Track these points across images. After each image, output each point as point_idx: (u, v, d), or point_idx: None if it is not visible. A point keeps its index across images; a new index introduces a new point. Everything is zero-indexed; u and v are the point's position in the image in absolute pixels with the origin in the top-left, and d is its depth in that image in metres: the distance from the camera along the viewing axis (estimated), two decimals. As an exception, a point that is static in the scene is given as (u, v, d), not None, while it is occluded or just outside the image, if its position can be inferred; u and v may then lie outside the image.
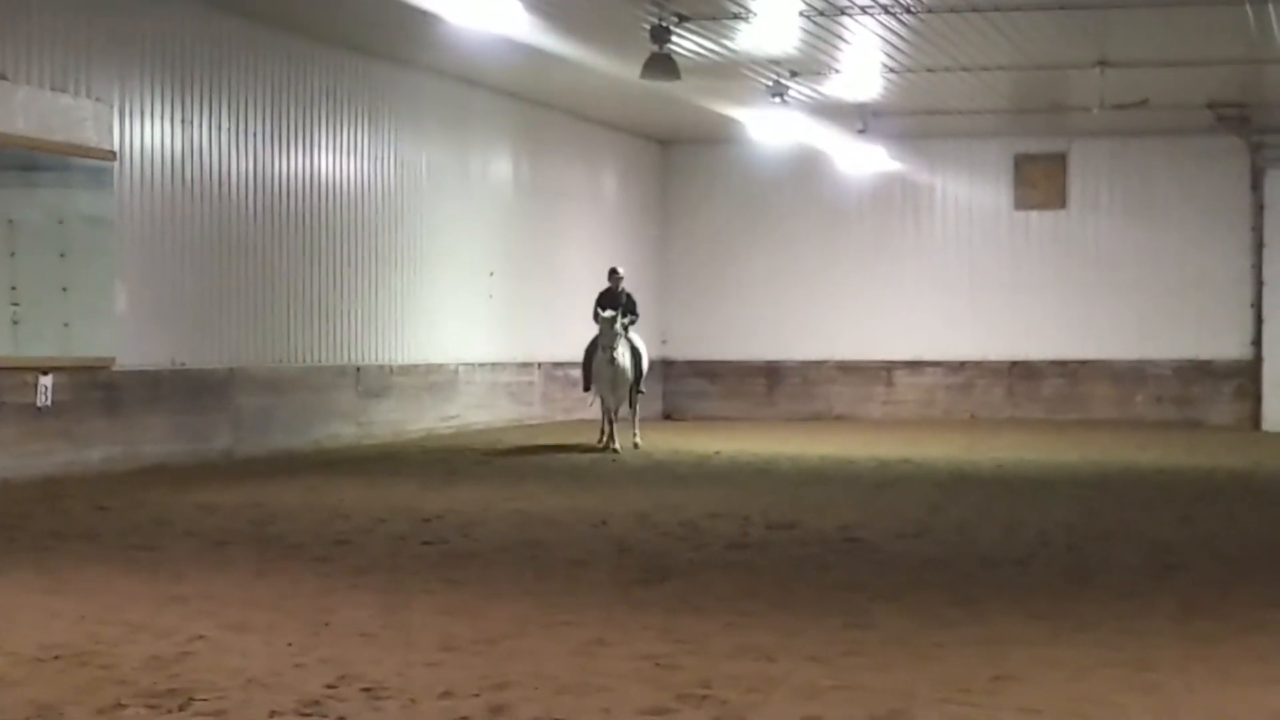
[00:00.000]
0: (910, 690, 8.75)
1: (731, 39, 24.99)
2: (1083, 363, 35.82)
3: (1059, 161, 35.85)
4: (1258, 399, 34.61)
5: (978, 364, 36.33)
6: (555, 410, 32.94)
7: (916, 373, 36.44)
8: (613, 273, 27.36)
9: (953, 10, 23.36)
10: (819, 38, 25.14)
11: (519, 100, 31.37)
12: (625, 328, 26.34)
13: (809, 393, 36.91)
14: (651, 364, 36.54)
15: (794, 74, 27.65)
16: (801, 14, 23.48)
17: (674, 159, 37.67)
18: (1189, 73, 27.99)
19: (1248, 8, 23.04)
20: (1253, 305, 34.61)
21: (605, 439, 26.51)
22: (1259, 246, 34.54)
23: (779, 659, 9.59)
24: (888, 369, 36.50)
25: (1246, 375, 34.84)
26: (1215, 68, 27.70)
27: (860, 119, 31.79)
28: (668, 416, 37.20)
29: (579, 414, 33.40)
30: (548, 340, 32.75)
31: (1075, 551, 14.76)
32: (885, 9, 23.30)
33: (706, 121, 32.74)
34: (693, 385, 37.63)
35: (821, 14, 23.45)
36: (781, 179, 36.40)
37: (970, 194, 36.25)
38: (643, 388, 27.40)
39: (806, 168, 35.78)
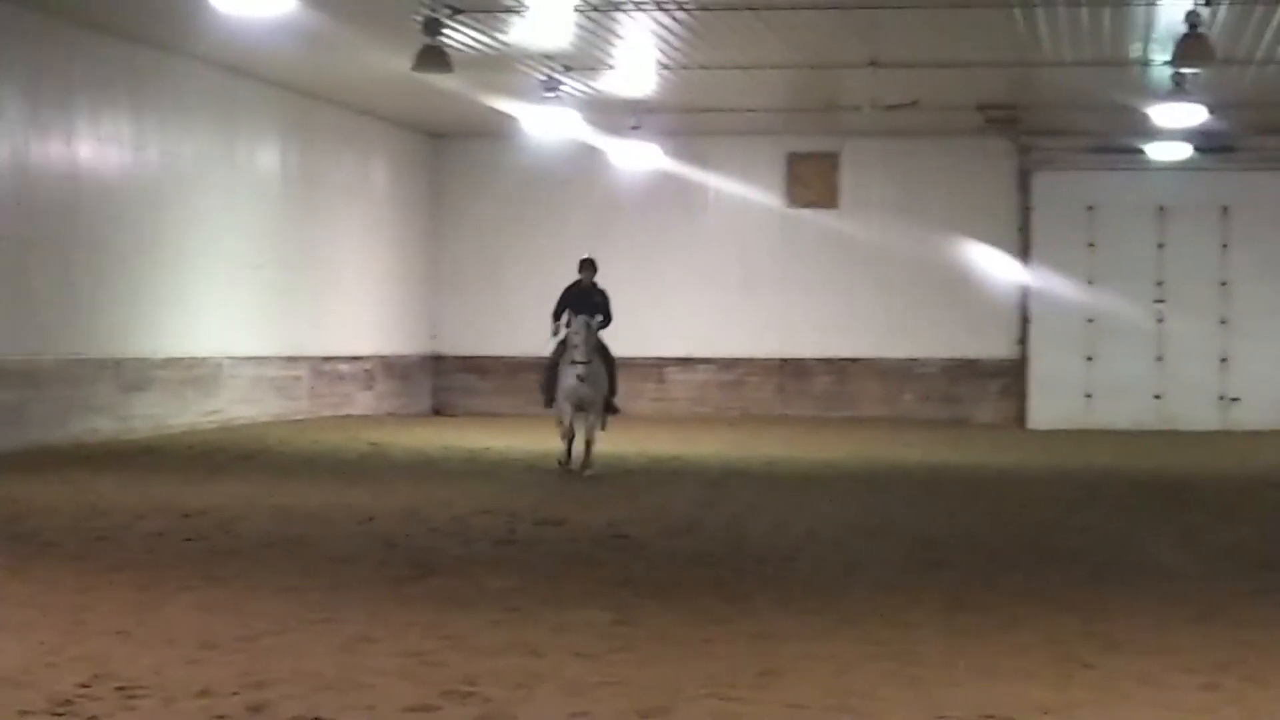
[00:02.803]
0: (677, 686, 8.74)
1: (505, 32, 24.85)
2: (852, 361, 36.18)
3: (831, 160, 36.16)
4: (1023, 397, 35.22)
5: (749, 361, 36.53)
6: (322, 406, 32.55)
7: (688, 370, 36.56)
8: (585, 264, 22.20)
9: (727, 8, 23.43)
10: (593, 33, 25.10)
11: (288, 91, 30.95)
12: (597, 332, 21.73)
13: (581, 389, 36.83)
14: (422, 360, 36.46)
15: (568, 69, 27.58)
16: (576, 9, 23.42)
17: (447, 152, 37.41)
18: (959, 74, 28.36)
19: (1016, 11, 23.40)
20: (1019, 305, 35.20)
21: (567, 459, 21.86)
22: (1026, 247, 35.14)
23: (546, 655, 9.54)
24: (659, 366, 36.56)
25: (1012, 374, 35.42)
26: (985, 70, 28.09)
27: (634, 115, 31.81)
28: (437, 412, 36.97)
29: (346, 409, 33.11)
30: (316, 334, 32.37)
31: (842, 547, 14.84)
32: (659, 5, 23.32)
33: (480, 115, 32.58)
34: (463, 381, 37.43)
35: (595, 9, 23.41)
36: (555, 174, 36.33)
37: (743, 192, 36.43)
38: (617, 404, 22.76)
39: (581, 163, 35.76)
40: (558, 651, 9.64)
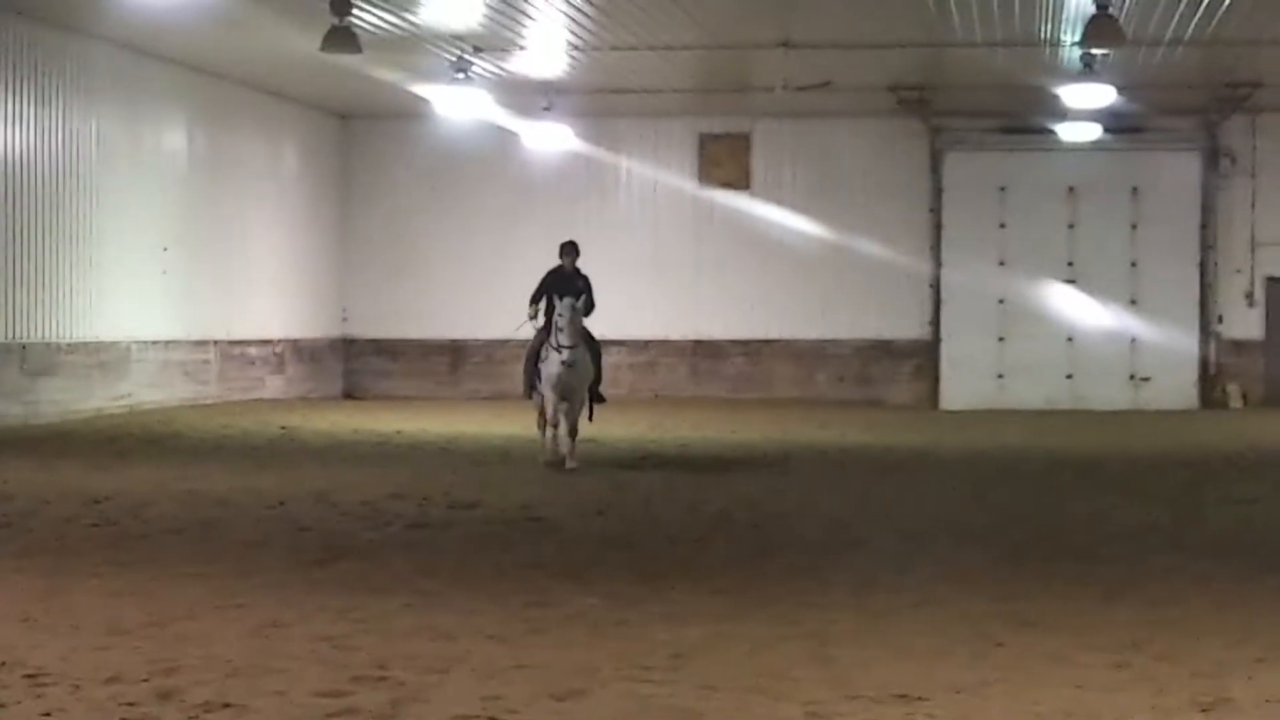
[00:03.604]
0: (591, 668, 8.71)
1: (414, 12, 24.71)
2: (765, 342, 36.22)
3: (743, 141, 36.18)
4: (935, 378, 35.35)
5: (662, 343, 36.50)
6: (232, 390, 32.30)
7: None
8: (566, 248, 20.82)
9: (638, -12, 23.39)
10: (503, 13, 24.98)
11: (195, 71, 30.65)
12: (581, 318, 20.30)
13: (493, 372, 36.69)
14: (333, 343, 36.26)
15: (478, 50, 27.44)
16: (486, -12, 23.33)
17: (357, 133, 37.19)
18: (871, 55, 28.39)
19: (927, -9, 23.45)
20: (931, 286, 35.31)
21: (554, 450, 20.58)
22: (937, 228, 35.26)
23: (459, 638, 9.49)
24: (572, 348, 36.44)
25: (925, 355, 35.55)
26: (896, 51, 28.14)
27: (546, 96, 31.69)
28: (348, 395, 36.77)
29: (256, 393, 32.87)
30: (225, 318, 32.10)
31: (756, 528, 14.83)
32: (570, -15, 23.24)
33: (390, 96, 32.39)
34: (374, 364, 37.24)
35: (506, -11, 23.32)
36: (467, 156, 36.17)
37: (655, 173, 36.39)
38: (603, 393, 21.43)
39: (492, 145, 35.62)
40: (470, 635, 9.58)
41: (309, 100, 34.88)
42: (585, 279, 20.62)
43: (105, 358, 28.01)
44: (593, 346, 20.59)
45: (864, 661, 8.94)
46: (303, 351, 35.48)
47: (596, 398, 20.92)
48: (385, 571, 12.00)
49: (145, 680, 8.30)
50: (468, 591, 11.16)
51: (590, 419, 20.71)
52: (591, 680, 8.42)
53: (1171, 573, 12.26)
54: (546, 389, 20.21)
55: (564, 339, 19.82)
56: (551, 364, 19.97)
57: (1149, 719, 7.83)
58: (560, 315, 19.92)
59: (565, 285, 20.41)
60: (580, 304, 20.09)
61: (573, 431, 20.26)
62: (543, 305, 20.61)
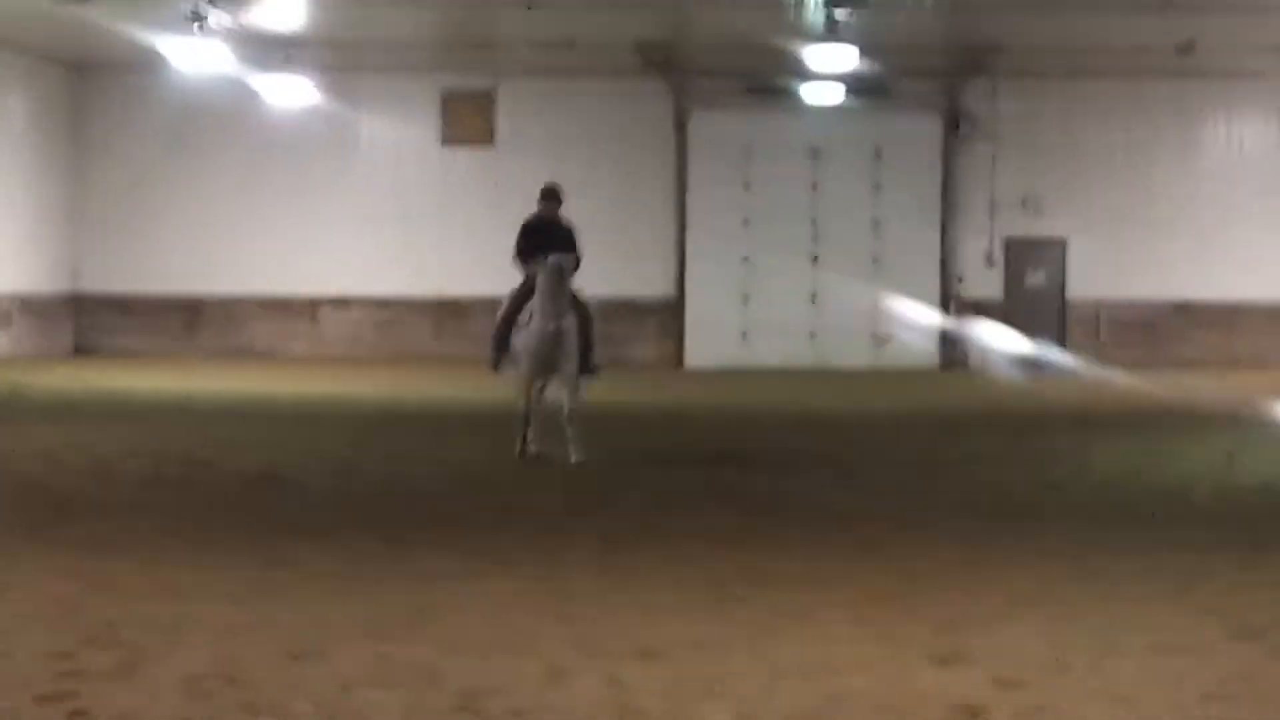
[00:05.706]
0: (330, 627, 8.61)
1: (148, -39, 24.11)
2: (509, 300, 35.96)
3: (487, 99, 35.93)
4: (680, 337, 35.44)
5: (404, 302, 36.17)
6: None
7: (343, 309, 36.06)
8: (548, 193, 17.57)
9: (379, -60, 23.07)
10: (240, -37, 24.48)
11: (-89, 18, 29.66)
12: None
13: (231, 329, 36.11)
14: (64, 298, 35.37)
15: (213, 1, 26.82)
16: (222, -64, 22.84)
17: (90, 86, 36.21)
18: (616, 14, 28.35)
19: (671, -50, 23.40)
20: (676, 245, 35.39)
21: (525, 441, 16.99)
22: (683, 188, 35.34)
23: (193, 599, 9.31)
24: (313, 305, 36.00)
25: (669, 314, 35.61)
26: (641, 10, 28.14)
27: (285, 50, 31.16)
28: (80, 353, 35.88)
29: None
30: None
31: (498, 487, 14.75)
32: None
33: (124, 48, 31.53)
34: (108, 320, 36.36)
35: (243, -62, 22.84)
36: (205, 110, 35.42)
37: (398, 130, 36.01)
38: (597, 363, 17.54)
39: (231, 99, 34.87)
40: (205, 595, 9.42)
41: (38, 50, 33.86)
42: (569, 228, 17.35)
43: None
44: (581, 310, 17.04)
45: (606, 619, 8.94)
46: (32, 307, 34.52)
47: (589, 370, 17.34)
48: (118, 532, 11.71)
49: None
50: (203, 552, 10.94)
51: (577, 398, 16.97)
52: (329, 639, 8.32)
53: (912, 529, 12.40)
54: (525, 366, 16.87)
55: (549, 308, 16.42)
56: (530, 335, 16.61)
57: (886, 672, 7.89)
58: (544, 278, 16.46)
59: (547, 237, 16.92)
60: (569, 262, 16.69)
61: (572, 417, 16.64)
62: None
